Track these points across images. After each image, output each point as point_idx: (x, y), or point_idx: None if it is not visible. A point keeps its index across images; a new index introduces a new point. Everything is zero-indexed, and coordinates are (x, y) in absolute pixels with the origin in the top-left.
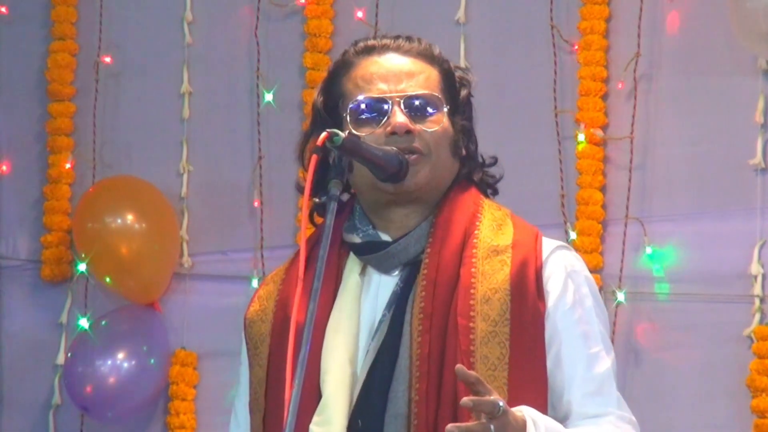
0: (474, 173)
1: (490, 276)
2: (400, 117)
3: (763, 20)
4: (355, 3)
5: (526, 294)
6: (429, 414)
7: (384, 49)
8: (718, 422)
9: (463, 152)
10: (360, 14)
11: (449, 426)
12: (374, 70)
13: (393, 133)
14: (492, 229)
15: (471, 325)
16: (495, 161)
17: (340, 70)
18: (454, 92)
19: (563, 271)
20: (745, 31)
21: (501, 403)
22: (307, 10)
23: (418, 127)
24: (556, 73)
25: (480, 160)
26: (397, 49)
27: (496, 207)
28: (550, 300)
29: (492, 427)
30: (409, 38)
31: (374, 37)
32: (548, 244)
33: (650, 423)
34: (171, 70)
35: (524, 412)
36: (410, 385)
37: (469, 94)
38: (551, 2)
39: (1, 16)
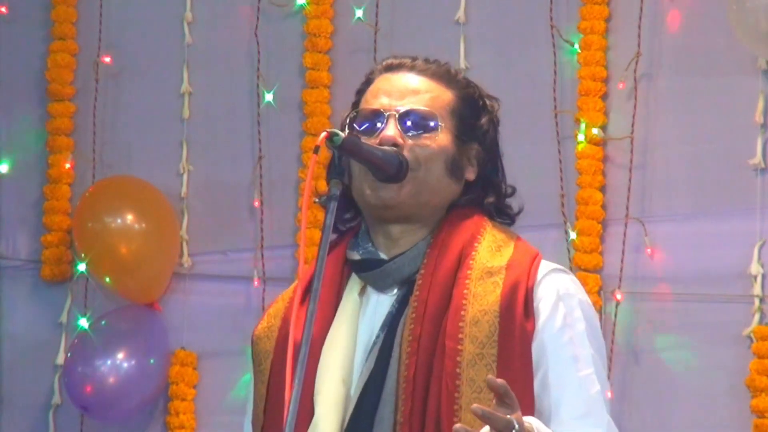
0: (485, 199)
1: (481, 297)
2: (390, 130)
3: (763, 20)
4: (355, 3)
5: (514, 315)
6: None
7: (400, 67)
8: (718, 422)
9: (470, 177)
10: (360, 14)
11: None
12: (382, 85)
13: (380, 144)
14: (490, 251)
15: (459, 347)
16: (513, 191)
17: (364, 85)
18: (470, 117)
19: (555, 293)
20: (745, 31)
21: (517, 426)
22: (307, 10)
23: (410, 142)
24: (556, 73)
25: (501, 189)
26: (412, 69)
27: (500, 230)
28: (539, 322)
29: None
30: (428, 60)
31: (396, 56)
32: (545, 266)
33: (650, 423)
34: (171, 70)
35: (532, 423)
36: (396, 408)
37: (492, 122)
38: (551, 2)
39: (1, 16)
